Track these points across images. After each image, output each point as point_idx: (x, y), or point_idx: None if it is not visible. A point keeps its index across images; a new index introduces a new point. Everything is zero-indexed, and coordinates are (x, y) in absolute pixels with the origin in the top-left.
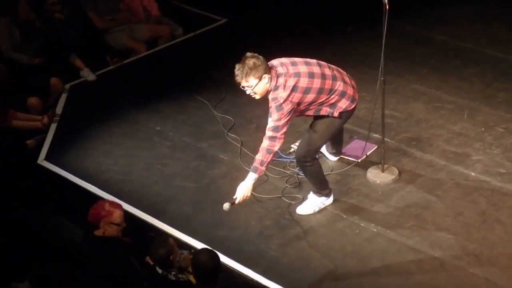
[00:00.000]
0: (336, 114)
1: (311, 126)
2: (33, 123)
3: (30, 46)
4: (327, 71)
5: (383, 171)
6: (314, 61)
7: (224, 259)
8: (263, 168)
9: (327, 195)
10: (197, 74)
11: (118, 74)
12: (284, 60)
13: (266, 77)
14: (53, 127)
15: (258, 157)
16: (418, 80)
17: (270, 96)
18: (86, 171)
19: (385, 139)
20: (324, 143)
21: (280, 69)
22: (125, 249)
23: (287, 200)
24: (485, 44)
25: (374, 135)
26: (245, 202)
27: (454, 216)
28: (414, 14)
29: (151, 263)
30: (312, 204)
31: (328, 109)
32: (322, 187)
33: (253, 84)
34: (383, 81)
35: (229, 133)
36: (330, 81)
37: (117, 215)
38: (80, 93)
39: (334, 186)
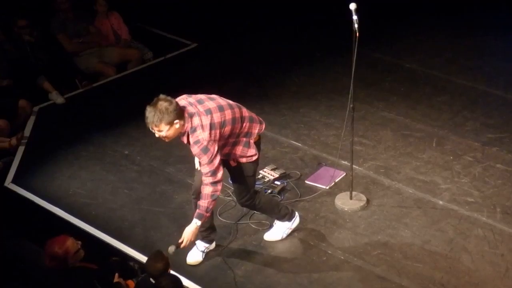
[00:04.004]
0: (252, 150)
1: (235, 175)
2: (1, 144)
3: None
4: (230, 102)
5: (351, 198)
6: (215, 96)
7: (189, 284)
8: (208, 214)
9: (290, 218)
10: None
11: (87, 97)
12: (191, 99)
13: (177, 122)
14: (20, 149)
15: (203, 204)
16: (387, 107)
17: (191, 140)
18: (53, 194)
19: (354, 166)
20: (255, 179)
21: (191, 109)
22: (91, 276)
23: (254, 226)
24: (454, 72)
25: (343, 162)
26: (190, 247)
27: (421, 244)
28: (384, 42)
29: (123, 282)
30: (279, 230)
31: (245, 139)
32: (281, 214)
33: (164, 130)
34: (352, 108)
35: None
36: (237, 109)
37: (71, 245)
38: (49, 116)
39: (301, 212)
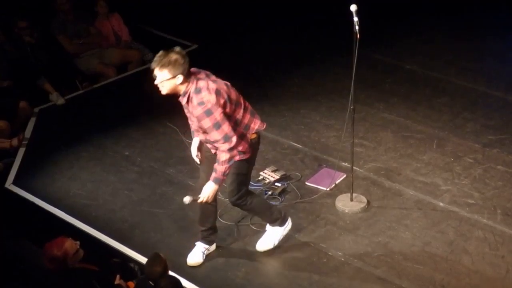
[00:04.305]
0: (245, 144)
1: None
2: (1, 144)
3: None
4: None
5: (351, 200)
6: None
7: (190, 286)
8: (225, 177)
9: (282, 223)
10: (166, 99)
11: (88, 99)
12: (202, 74)
13: (180, 77)
14: (21, 151)
15: (220, 169)
16: (388, 109)
17: (195, 101)
18: (53, 196)
19: (354, 168)
20: (249, 178)
21: (201, 76)
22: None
23: (254, 228)
24: (454, 73)
25: (343, 163)
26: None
27: (421, 246)
28: (384, 44)
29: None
30: (271, 237)
31: (242, 131)
32: (272, 217)
33: (165, 77)
34: (353, 110)
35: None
36: (242, 98)
37: (70, 246)
38: (49, 117)
39: (302, 214)
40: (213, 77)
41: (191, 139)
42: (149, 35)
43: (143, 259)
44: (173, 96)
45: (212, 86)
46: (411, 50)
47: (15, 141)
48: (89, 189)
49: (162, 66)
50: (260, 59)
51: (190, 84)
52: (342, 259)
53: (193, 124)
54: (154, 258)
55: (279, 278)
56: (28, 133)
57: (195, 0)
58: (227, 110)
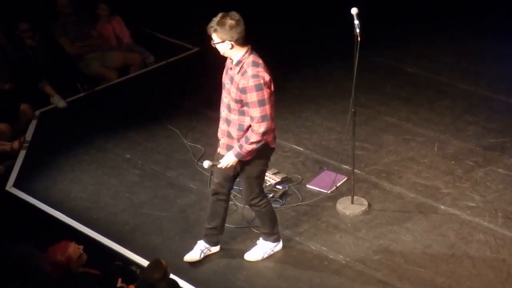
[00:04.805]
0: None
1: (242, 173)
2: (2, 147)
3: (0, 72)
4: None
5: (352, 202)
6: None
7: None
8: (247, 156)
9: (275, 241)
10: (168, 102)
11: (89, 101)
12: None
13: (228, 43)
14: (22, 153)
15: (247, 147)
16: (389, 112)
17: (250, 72)
18: (54, 198)
19: (355, 170)
20: (264, 177)
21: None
22: (93, 281)
23: (256, 231)
24: (455, 77)
25: (344, 166)
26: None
27: (423, 249)
28: (386, 46)
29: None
30: (261, 250)
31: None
32: (272, 231)
33: (215, 41)
34: (354, 113)
35: (199, 162)
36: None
37: (73, 251)
38: (50, 119)
39: (303, 217)
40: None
41: (192, 142)
42: (150, 38)
43: (144, 262)
44: (173, 100)
45: (268, 70)
46: (412, 53)
47: (16, 144)
48: (90, 192)
49: (214, 30)
50: None
51: (247, 54)
52: (343, 262)
53: (226, 97)
54: (154, 264)
55: (280, 281)
56: (29, 135)
57: (197, 2)
58: (272, 98)
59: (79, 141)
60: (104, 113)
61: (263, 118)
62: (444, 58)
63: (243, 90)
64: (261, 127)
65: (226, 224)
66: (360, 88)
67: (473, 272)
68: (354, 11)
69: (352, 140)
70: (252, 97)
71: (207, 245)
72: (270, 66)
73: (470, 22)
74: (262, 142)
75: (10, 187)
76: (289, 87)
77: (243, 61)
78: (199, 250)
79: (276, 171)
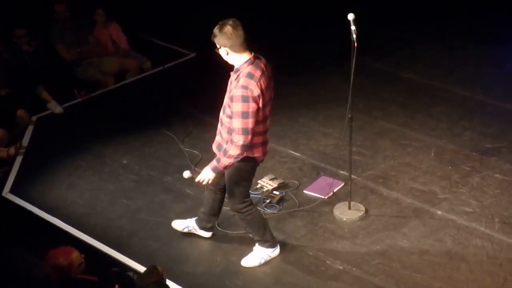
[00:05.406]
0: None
1: (230, 176)
2: None
3: None
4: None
5: (349, 208)
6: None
7: None
8: (224, 170)
9: (272, 246)
10: (164, 108)
11: (86, 107)
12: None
13: (225, 50)
14: (18, 159)
15: (224, 162)
16: (386, 117)
17: (241, 82)
18: (51, 204)
19: (352, 176)
20: (249, 185)
21: (261, 65)
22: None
23: (252, 236)
24: (452, 82)
25: (341, 172)
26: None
27: (419, 254)
28: (383, 52)
29: None
30: (258, 255)
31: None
32: (264, 238)
33: (217, 46)
34: (351, 118)
35: (195, 168)
36: (268, 121)
37: (76, 257)
38: (47, 125)
39: (300, 222)
40: (268, 78)
41: (189, 148)
42: (147, 44)
43: (141, 268)
44: (170, 106)
45: (263, 84)
46: (409, 59)
47: (12, 150)
48: (87, 197)
49: (214, 35)
50: None
51: (246, 64)
52: (340, 267)
53: (225, 99)
54: (150, 270)
55: (277, 287)
56: (25, 141)
57: (193, 8)
58: (259, 113)
59: (76, 146)
60: (101, 119)
61: (243, 131)
62: (441, 64)
63: (231, 98)
64: (240, 140)
65: (223, 230)
66: (357, 94)
67: (470, 277)
68: (350, 17)
69: (349, 146)
70: (237, 107)
71: (194, 225)
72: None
73: (466, 27)
74: (241, 157)
75: (6, 193)
76: (285, 93)
77: (241, 70)
78: (185, 224)
79: (273, 176)
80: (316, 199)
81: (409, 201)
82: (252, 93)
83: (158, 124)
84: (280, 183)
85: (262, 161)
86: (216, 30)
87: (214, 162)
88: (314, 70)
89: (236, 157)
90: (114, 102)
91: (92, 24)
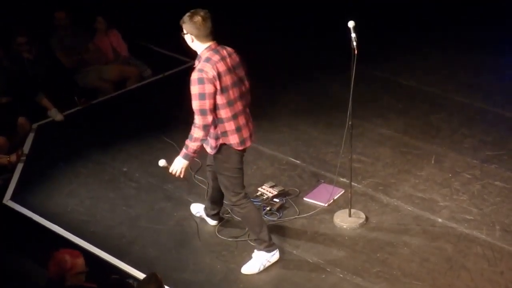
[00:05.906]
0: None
1: (216, 172)
2: (0, 160)
3: None
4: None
5: (350, 215)
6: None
7: None
8: (195, 155)
9: (268, 249)
10: (164, 115)
11: (86, 115)
12: (226, 60)
13: (189, 37)
14: (19, 166)
15: (192, 146)
16: (386, 124)
17: (198, 66)
18: (51, 212)
19: (352, 183)
20: (241, 176)
21: (223, 53)
22: None
23: (253, 243)
24: (451, 89)
25: (341, 179)
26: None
27: (420, 262)
28: (382, 60)
29: None
30: (257, 262)
31: (219, 134)
32: (259, 237)
33: (182, 31)
34: (351, 125)
35: (196, 175)
36: (244, 101)
37: (81, 264)
38: (48, 133)
39: (300, 230)
40: (229, 64)
41: None
42: (147, 51)
43: (141, 275)
44: (170, 113)
45: (221, 68)
46: (409, 66)
47: (13, 157)
48: (87, 205)
49: (183, 21)
50: (258, 76)
51: (205, 51)
52: (341, 275)
53: None
54: (150, 278)
55: None
56: (26, 149)
57: None
58: (222, 97)
59: (76, 154)
60: (101, 126)
61: (201, 112)
62: (440, 71)
63: (191, 82)
64: (200, 120)
65: (222, 237)
66: (357, 101)
67: (470, 285)
68: (350, 24)
69: (349, 153)
70: (194, 89)
71: (203, 212)
72: (266, 79)
73: (466, 35)
74: (206, 139)
75: (7, 200)
76: (285, 100)
77: (201, 57)
78: (199, 209)
79: (273, 184)
80: (316, 206)
81: (409, 209)
82: (207, 75)
83: (158, 132)
84: (280, 191)
85: (244, 149)
86: (186, 17)
87: (183, 150)
88: (314, 77)
89: (202, 139)
90: (114, 110)
91: (93, 31)
